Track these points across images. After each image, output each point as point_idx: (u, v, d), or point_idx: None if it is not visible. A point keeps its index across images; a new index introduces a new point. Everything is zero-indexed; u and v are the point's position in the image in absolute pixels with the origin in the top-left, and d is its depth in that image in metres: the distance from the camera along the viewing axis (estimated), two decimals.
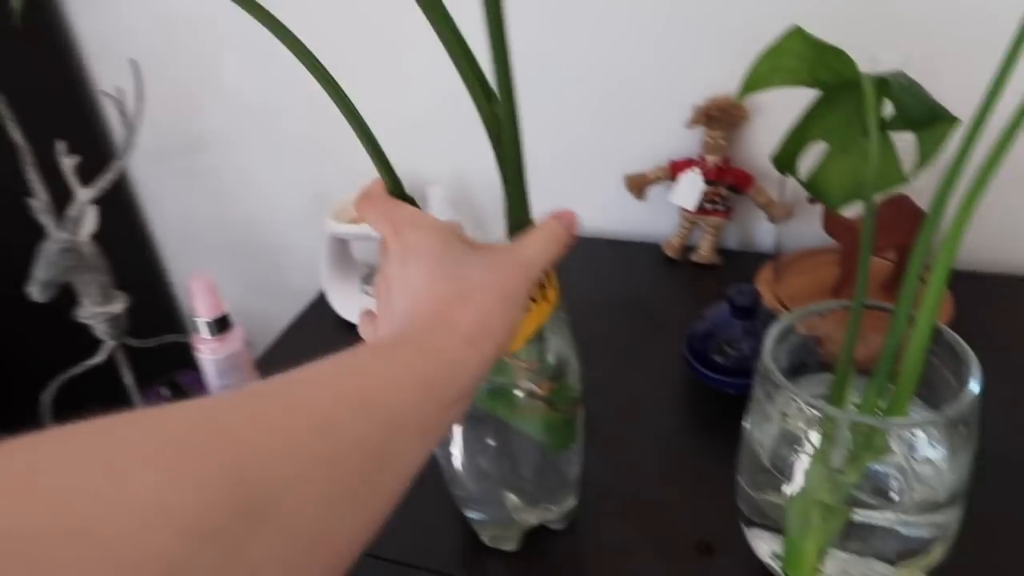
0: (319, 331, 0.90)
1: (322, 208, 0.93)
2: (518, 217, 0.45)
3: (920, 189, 0.67)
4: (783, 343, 0.49)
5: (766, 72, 0.59)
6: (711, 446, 0.62)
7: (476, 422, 0.51)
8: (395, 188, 0.45)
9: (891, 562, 0.45)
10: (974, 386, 0.41)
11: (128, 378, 0.91)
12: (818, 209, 0.73)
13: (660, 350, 0.74)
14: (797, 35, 0.57)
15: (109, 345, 0.87)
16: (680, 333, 0.74)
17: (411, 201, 0.45)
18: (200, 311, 0.69)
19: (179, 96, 1.06)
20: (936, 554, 0.46)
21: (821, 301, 0.73)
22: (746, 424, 0.50)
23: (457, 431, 0.52)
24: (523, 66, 0.86)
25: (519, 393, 0.48)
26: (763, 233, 0.89)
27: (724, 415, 0.65)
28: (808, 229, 0.80)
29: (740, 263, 0.86)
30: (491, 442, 0.51)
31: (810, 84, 0.59)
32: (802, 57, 0.58)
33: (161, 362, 0.97)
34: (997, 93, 0.41)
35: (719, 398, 0.67)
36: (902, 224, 0.69)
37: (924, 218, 0.70)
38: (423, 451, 0.33)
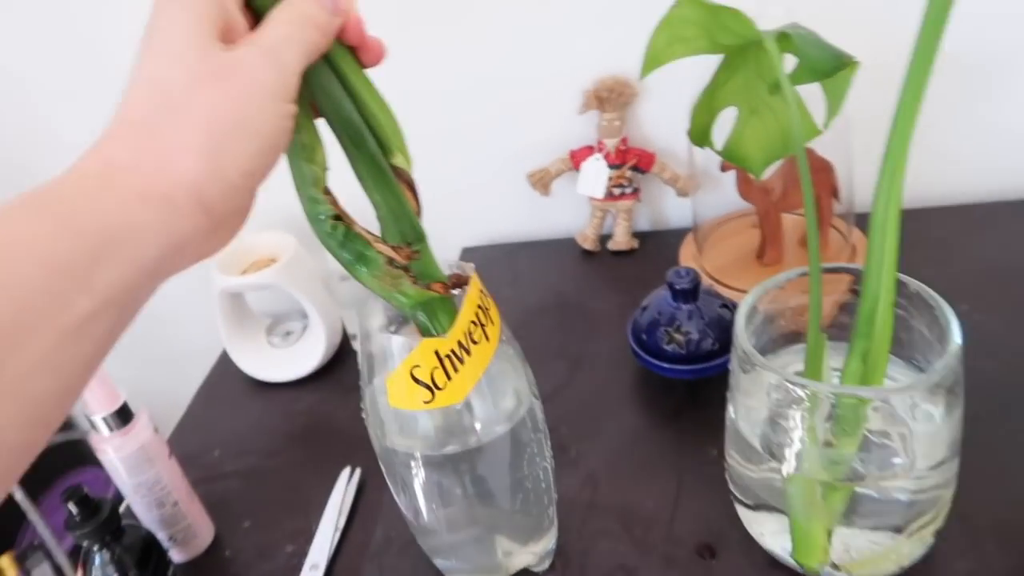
0: (229, 395, 0.82)
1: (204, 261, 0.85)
2: None
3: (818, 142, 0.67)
4: (749, 324, 0.46)
5: (664, 45, 0.57)
6: (682, 438, 0.60)
7: (436, 470, 0.46)
8: None
9: (899, 530, 0.44)
10: (956, 339, 0.40)
11: (18, 492, 0.80)
12: (726, 175, 0.72)
13: (601, 347, 0.71)
14: (690, 2, 0.55)
15: None
16: (615, 325, 0.72)
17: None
18: (93, 406, 0.60)
19: (11, 167, 0.94)
20: (942, 511, 0.45)
21: (742, 266, 0.72)
22: (730, 413, 0.48)
23: (417, 482, 0.47)
24: (410, 79, 0.82)
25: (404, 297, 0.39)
26: (672, 209, 0.88)
27: (686, 403, 0.63)
28: (717, 197, 0.79)
29: (657, 243, 0.84)
30: (457, 490, 0.47)
31: (711, 50, 0.57)
32: (698, 23, 0.56)
33: (52, 466, 0.86)
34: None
35: (675, 386, 0.64)
36: (811, 177, 0.69)
37: (831, 169, 0.71)
38: (73, 347, 0.24)
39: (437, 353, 0.39)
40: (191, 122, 0.27)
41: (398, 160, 0.37)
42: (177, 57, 0.27)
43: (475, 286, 0.41)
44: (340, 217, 0.35)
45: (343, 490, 0.67)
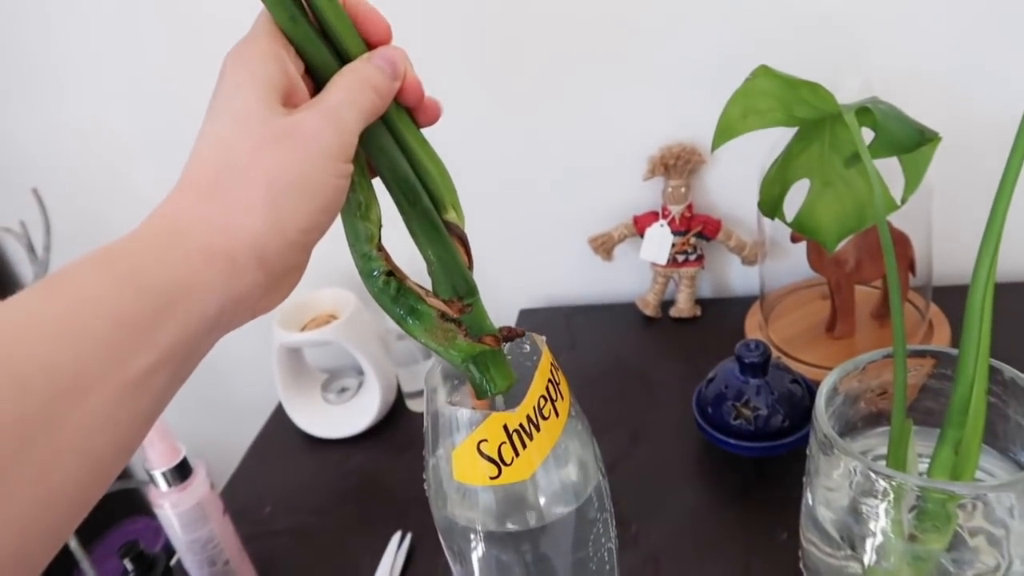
0: (283, 450, 0.82)
1: (265, 316, 0.85)
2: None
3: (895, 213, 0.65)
4: (829, 406, 0.44)
5: (738, 117, 0.56)
6: (749, 518, 0.57)
7: (497, 545, 0.44)
8: None
9: None
10: None
11: (71, 540, 0.80)
12: (795, 244, 0.71)
13: (662, 418, 0.69)
14: (765, 74, 0.54)
15: None
16: (676, 395, 0.70)
17: None
18: (153, 460, 0.60)
19: (90, 220, 0.97)
20: None
21: (811, 338, 0.70)
22: (807, 498, 0.45)
23: (475, 556, 0.45)
24: (477, 137, 0.83)
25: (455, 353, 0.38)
26: (736, 277, 0.86)
27: (753, 481, 0.61)
28: (784, 265, 0.77)
29: (720, 311, 0.83)
30: (518, 568, 0.45)
31: (786, 123, 0.57)
32: (774, 96, 0.55)
33: (105, 515, 0.86)
34: None
35: (742, 463, 0.62)
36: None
37: (908, 242, 0.69)
38: (133, 401, 0.24)
39: (505, 427, 0.38)
40: (253, 182, 0.28)
41: (451, 216, 0.37)
42: (242, 120, 0.28)
43: (546, 359, 0.40)
44: (393, 272, 0.36)
45: (393, 555, 0.65)
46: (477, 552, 0.45)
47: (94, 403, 0.23)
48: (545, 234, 0.87)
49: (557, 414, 0.40)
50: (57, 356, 0.23)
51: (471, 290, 0.38)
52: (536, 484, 0.42)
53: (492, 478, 0.39)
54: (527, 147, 0.82)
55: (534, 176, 0.84)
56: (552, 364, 0.40)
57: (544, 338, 0.41)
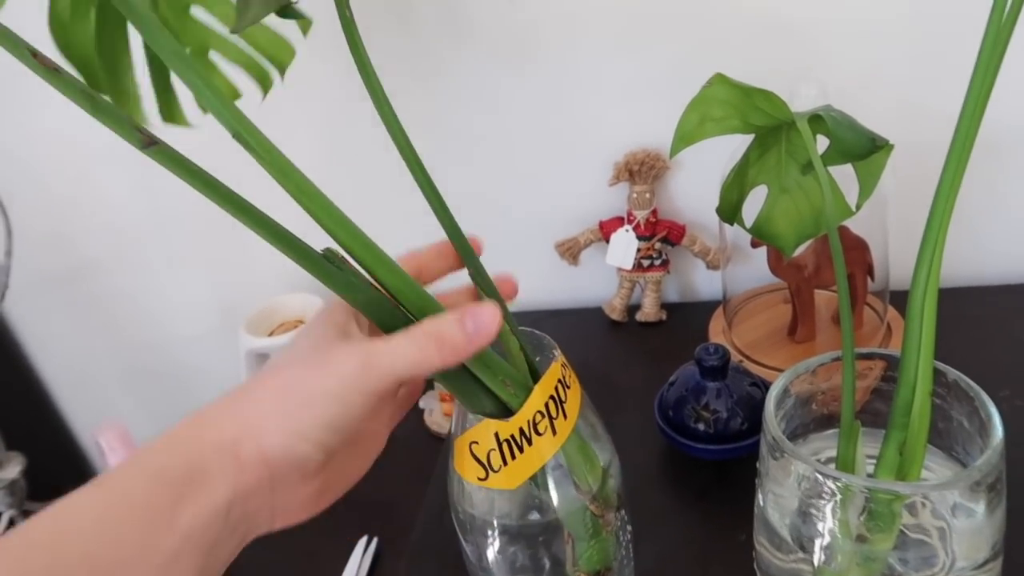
0: None
1: (233, 322, 0.85)
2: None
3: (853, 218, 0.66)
4: (780, 408, 0.45)
5: (695, 124, 0.57)
6: (709, 521, 0.58)
7: (510, 540, 0.44)
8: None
9: None
10: (998, 433, 0.39)
11: None
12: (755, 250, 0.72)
13: (626, 421, 0.70)
14: (721, 82, 0.55)
15: (7, 516, 0.76)
16: (641, 399, 0.70)
17: None
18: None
19: (54, 224, 0.97)
20: None
21: (773, 342, 0.71)
22: (759, 500, 0.46)
23: (491, 552, 0.44)
24: (441, 147, 0.83)
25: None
26: (702, 281, 0.87)
27: (713, 484, 0.61)
28: (748, 270, 0.78)
29: (685, 315, 0.83)
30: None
31: (742, 130, 0.57)
32: (730, 104, 0.56)
33: None
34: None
35: (702, 466, 0.63)
36: (846, 255, 0.68)
37: (866, 247, 0.70)
38: None
39: (496, 435, 0.37)
40: (273, 388, 0.33)
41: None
42: (298, 353, 0.34)
43: (552, 374, 0.39)
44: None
45: (359, 560, 0.65)
46: (493, 548, 0.44)
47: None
48: (512, 240, 0.87)
49: (554, 432, 0.39)
50: (98, 547, 0.27)
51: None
52: (546, 484, 0.42)
53: (480, 479, 0.39)
54: (493, 153, 0.83)
55: (500, 182, 0.85)
56: (560, 380, 0.40)
57: (558, 349, 0.41)
